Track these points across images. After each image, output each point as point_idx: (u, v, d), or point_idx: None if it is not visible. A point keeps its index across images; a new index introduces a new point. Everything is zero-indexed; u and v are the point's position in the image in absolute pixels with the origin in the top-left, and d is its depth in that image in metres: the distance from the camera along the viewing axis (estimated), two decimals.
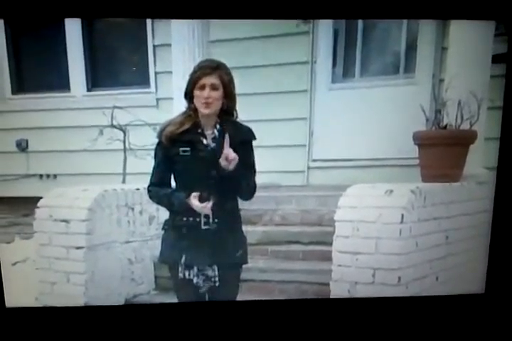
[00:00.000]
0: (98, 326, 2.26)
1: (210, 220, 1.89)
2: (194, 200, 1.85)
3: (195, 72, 1.86)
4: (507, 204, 2.22)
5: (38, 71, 3.72)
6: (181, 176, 1.89)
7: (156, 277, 2.90)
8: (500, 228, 2.25)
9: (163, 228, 1.98)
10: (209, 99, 1.84)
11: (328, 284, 2.38)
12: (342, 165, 3.32)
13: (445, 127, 2.66)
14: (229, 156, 1.82)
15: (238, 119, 1.95)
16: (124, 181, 3.18)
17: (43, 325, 2.24)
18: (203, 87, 1.84)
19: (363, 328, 2.30)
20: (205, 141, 1.89)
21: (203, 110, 1.86)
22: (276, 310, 2.30)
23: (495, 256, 2.28)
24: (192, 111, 1.89)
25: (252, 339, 2.28)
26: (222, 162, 1.82)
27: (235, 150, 1.86)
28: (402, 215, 2.28)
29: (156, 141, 1.92)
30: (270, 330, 2.27)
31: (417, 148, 2.71)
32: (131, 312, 2.37)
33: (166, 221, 1.97)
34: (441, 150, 2.62)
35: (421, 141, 2.69)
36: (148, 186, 1.95)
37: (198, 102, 1.85)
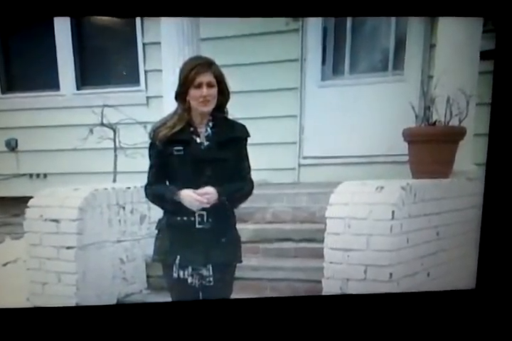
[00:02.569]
0: (90, 326, 2.24)
1: (205, 219, 1.88)
2: (187, 191, 1.82)
3: (188, 71, 1.83)
4: (497, 200, 2.23)
5: (28, 70, 3.69)
6: (176, 175, 1.88)
7: (147, 276, 2.89)
8: (491, 224, 2.26)
9: (156, 227, 1.97)
10: (208, 97, 1.82)
11: (320, 281, 2.39)
12: (333, 162, 3.33)
13: (434, 123, 2.67)
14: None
15: (229, 116, 1.94)
16: (114, 180, 3.16)
17: (35, 325, 2.22)
18: (199, 86, 1.81)
19: (355, 325, 2.30)
20: (198, 140, 1.87)
21: (201, 108, 1.84)
22: (268, 308, 2.30)
23: (485, 252, 2.29)
24: (185, 111, 1.87)
25: (245, 337, 2.27)
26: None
27: (228, 148, 1.87)
28: (393, 212, 2.29)
29: (148, 139, 1.91)
30: (263, 328, 2.27)
31: (406, 144, 2.72)
32: (124, 312, 2.36)
33: (160, 220, 1.96)
34: (430, 147, 2.63)
35: (411, 137, 2.70)
36: (145, 185, 1.94)
37: (195, 101, 1.83)
